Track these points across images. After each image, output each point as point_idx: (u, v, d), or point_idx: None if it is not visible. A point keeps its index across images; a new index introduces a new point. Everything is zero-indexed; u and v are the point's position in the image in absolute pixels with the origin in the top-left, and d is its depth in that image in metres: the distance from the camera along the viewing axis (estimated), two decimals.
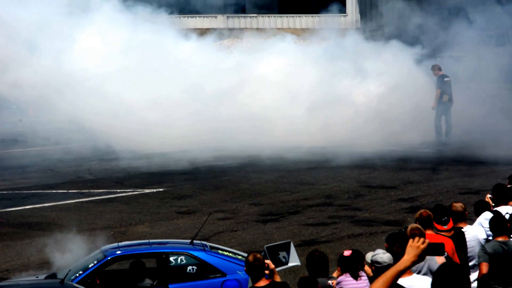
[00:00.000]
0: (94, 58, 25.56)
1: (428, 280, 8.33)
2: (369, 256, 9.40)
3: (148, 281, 11.83)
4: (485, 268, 9.82)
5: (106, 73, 25.32)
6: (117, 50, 25.85)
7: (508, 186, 12.12)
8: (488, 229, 10.53)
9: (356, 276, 9.24)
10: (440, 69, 25.61)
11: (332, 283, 9.29)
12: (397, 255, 8.80)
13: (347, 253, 9.35)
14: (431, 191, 19.29)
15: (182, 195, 19.66)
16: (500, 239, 10.00)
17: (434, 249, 6.21)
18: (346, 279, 9.21)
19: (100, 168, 23.53)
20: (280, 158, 22.99)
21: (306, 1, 43.06)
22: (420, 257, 6.11)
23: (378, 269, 9.20)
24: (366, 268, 9.67)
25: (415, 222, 10.27)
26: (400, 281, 7.49)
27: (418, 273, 9.38)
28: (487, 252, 9.86)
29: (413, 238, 6.19)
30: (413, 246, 6.12)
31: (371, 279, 9.30)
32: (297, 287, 8.56)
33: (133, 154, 24.49)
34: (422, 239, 6.12)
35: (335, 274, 9.51)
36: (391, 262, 9.14)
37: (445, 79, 25.36)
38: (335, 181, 20.65)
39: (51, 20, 25.75)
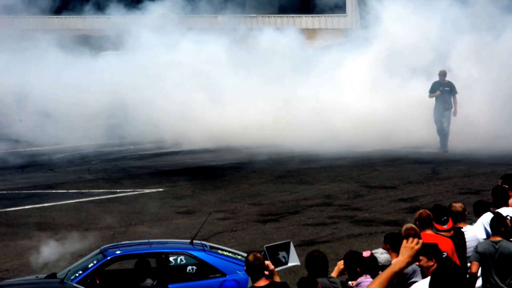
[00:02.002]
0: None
1: None
2: None
3: (149, 281, 11.86)
4: (474, 267, 9.96)
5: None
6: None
7: (505, 186, 12.11)
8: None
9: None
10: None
11: (352, 283, 9.25)
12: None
13: (366, 254, 9.25)
14: (431, 191, 19.29)
15: (182, 195, 19.66)
16: (493, 238, 10.06)
17: (428, 250, 6.22)
18: (366, 280, 9.14)
19: (100, 168, 23.52)
20: None
21: (306, 1, 43.05)
22: (415, 258, 6.12)
23: None
24: None
25: (415, 222, 10.28)
26: None
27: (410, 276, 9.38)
28: (478, 251, 9.97)
29: (408, 239, 6.18)
30: (407, 247, 6.13)
31: None
32: (297, 287, 8.55)
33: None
34: (416, 240, 6.13)
35: (334, 274, 9.49)
36: (387, 263, 9.13)
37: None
38: (335, 181, 20.65)
39: None
